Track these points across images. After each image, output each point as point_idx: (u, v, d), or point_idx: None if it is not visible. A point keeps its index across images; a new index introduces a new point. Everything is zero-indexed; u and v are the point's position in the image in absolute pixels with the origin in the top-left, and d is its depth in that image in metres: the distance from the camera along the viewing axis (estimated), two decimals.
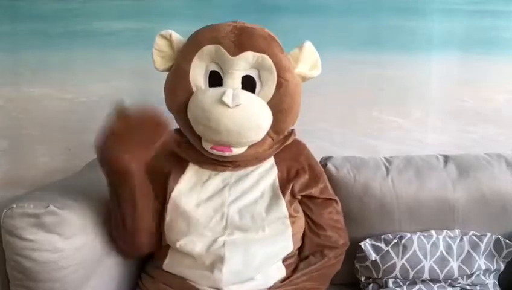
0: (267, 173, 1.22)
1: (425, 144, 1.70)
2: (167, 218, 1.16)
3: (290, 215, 1.18)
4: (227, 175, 1.20)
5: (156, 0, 1.63)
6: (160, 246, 1.19)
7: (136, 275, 1.24)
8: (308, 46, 1.20)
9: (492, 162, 1.42)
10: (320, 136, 1.64)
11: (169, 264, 1.18)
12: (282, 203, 1.18)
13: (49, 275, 1.00)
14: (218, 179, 1.20)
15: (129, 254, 1.20)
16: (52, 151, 1.70)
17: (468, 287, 1.31)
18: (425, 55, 1.66)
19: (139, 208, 1.10)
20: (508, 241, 1.32)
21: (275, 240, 1.17)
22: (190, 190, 1.18)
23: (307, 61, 1.21)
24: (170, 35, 1.17)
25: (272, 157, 1.25)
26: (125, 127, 1.01)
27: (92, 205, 1.11)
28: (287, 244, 1.20)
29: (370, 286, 1.34)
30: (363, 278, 1.37)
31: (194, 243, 1.13)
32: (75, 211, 1.05)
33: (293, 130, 1.29)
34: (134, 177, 1.05)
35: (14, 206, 0.98)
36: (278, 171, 1.23)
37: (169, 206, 1.16)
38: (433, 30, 1.64)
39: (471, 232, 1.34)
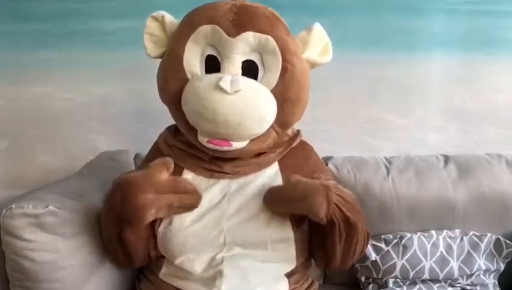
0: (270, 181, 1.10)
1: (425, 144, 1.69)
2: (160, 234, 1.07)
3: (295, 232, 1.07)
4: (225, 183, 1.09)
5: (155, 0, 1.63)
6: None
7: (134, 277, 1.23)
8: (318, 28, 1.09)
9: (492, 162, 1.42)
10: (320, 136, 1.63)
11: (165, 274, 1.11)
12: (287, 220, 1.07)
13: (48, 275, 1.00)
14: (216, 189, 1.09)
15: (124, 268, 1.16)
16: (52, 151, 1.70)
17: (468, 287, 1.31)
18: (426, 55, 1.65)
19: (138, 241, 1.06)
20: (508, 241, 1.32)
21: (277, 257, 1.08)
22: None
23: (317, 45, 1.10)
24: (162, 17, 1.08)
25: (276, 162, 1.13)
26: (163, 185, 0.98)
27: (91, 205, 1.11)
28: (290, 262, 1.10)
29: (370, 286, 1.34)
30: (363, 278, 1.36)
31: (192, 261, 1.05)
32: (74, 211, 1.05)
33: (298, 130, 1.21)
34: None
35: (14, 206, 0.98)
36: (283, 179, 1.10)
37: (163, 224, 1.07)
38: (433, 30, 1.64)
39: (471, 233, 1.34)
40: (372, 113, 1.69)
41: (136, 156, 1.49)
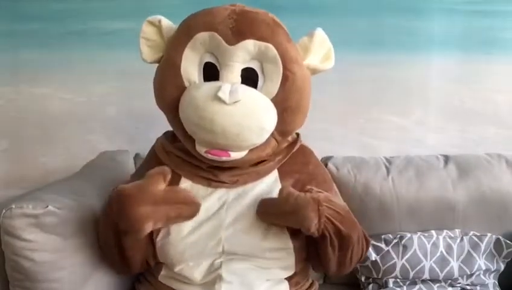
0: (269, 189, 1.09)
1: (425, 144, 1.69)
2: (159, 244, 1.06)
3: (294, 241, 1.06)
4: (223, 192, 1.08)
5: (155, 0, 1.63)
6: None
7: (134, 278, 1.22)
8: (320, 33, 1.07)
9: (492, 162, 1.42)
10: (320, 136, 1.63)
11: (165, 277, 1.10)
12: (286, 230, 1.05)
13: (48, 275, 1.00)
14: (214, 198, 1.07)
15: (122, 274, 1.16)
16: (52, 151, 1.70)
17: (468, 287, 1.31)
18: (425, 55, 1.66)
19: (137, 249, 1.05)
20: (508, 241, 1.32)
21: (276, 264, 1.07)
22: None
23: (318, 51, 1.08)
24: (159, 21, 1.06)
25: (275, 169, 1.12)
26: (160, 196, 0.96)
27: (91, 205, 1.11)
28: (290, 269, 1.09)
29: (370, 286, 1.34)
30: (363, 278, 1.36)
31: (191, 269, 1.04)
32: (74, 211, 1.05)
33: (298, 135, 1.19)
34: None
35: (13, 206, 0.98)
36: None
37: (161, 234, 1.05)
38: (433, 30, 1.64)
39: (471, 233, 1.34)
40: (372, 114, 1.69)
41: (136, 156, 1.50)
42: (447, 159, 1.46)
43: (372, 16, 1.64)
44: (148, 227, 0.95)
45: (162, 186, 0.97)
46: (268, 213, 1.03)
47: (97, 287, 1.12)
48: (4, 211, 0.98)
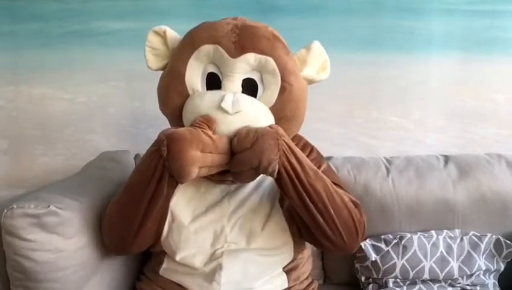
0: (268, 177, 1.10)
1: (425, 144, 1.69)
2: (165, 230, 1.10)
3: (291, 225, 1.11)
4: (226, 186, 1.13)
5: (155, 0, 1.63)
6: (148, 249, 1.14)
7: (135, 276, 1.24)
8: (317, 46, 1.11)
9: (492, 162, 1.42)
10: (320, 136, 1.63)
11: (166, 270, 1.13)
12: (283, 216, 1.11)
13: (49, 275, 1.01)
14: (217, 189, 1.13)
15: (115, 247, 1.12)
16: (52, 151, 1.70)
17: (468, 288, 1.31)
18: (425, 55, 1.65)
19: (157, 218, 1.07)
20: (508, 241, 1.32)
21: (275, 250, 1.12)
22: (187, 202, 1.11)
23: (315, 63, 1.12)
24: (164, 32, 1.09)
25: None
26: (208, 144, 0.97)
27: (92, 205, 1.11)
28: (288, 254, 1.14)
29: (370, 286, 1.34)
30: (363, 278, 1.37)
31: (193, 256, 1.09)
32: (75, 211, 1.06)
33: (296, 136, 1.21)
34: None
35: (14, 206, 0.98)
36: None
37: (167, 220, 1.10)
38: (433, 30, 1.64)
39: (471, 233, 1.34)
40: (372, 114, 1.69)
41: (137, 156, 1.50)
42: (447, 159, 1.46)
43: (372, 16, 1.64)
44: (194, 172, 0.97)
45: (209, 134, 0.99)
46: (233, 163, 1.01)
47: (98, 286, 1.12)
48: (5, 210, 0.98)
